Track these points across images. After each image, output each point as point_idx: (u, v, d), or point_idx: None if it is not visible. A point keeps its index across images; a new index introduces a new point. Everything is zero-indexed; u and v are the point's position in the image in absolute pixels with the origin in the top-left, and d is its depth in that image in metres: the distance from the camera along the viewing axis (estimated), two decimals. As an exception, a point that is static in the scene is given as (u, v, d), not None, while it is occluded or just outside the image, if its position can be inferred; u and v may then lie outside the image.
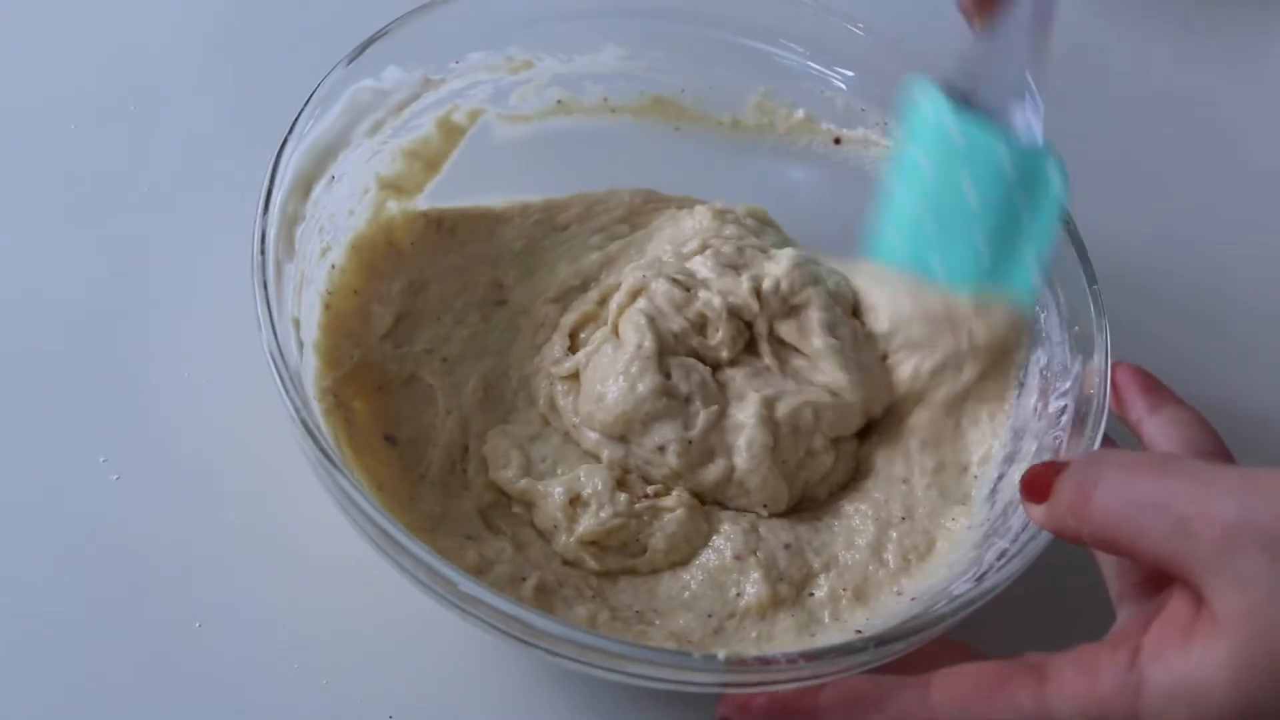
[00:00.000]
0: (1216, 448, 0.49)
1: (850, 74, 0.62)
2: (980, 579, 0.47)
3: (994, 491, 0.53)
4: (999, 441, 0.55)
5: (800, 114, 0.63)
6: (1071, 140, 0.54)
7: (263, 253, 0.48)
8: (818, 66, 0.62)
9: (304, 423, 0.44)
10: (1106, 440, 0.51)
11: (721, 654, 0.42)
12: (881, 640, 0.44)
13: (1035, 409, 0.54)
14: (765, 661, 0.42)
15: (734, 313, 0.56)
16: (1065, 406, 0.52)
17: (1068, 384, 0.52)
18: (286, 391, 0.45)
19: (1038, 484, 0.43)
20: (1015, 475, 0.51)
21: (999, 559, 0.47)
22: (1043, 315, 0.55)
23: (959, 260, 0.55)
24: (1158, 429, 0.51)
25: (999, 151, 0.53)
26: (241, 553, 0.53)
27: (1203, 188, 0.75)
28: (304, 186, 0.52)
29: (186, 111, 0.67)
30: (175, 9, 0.71)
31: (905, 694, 0.43)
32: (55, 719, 0.49)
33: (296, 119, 0.51)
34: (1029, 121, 0.53)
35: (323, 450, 0.44)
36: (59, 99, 0.66)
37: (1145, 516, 0.40)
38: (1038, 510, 0.43)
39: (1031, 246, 0.54)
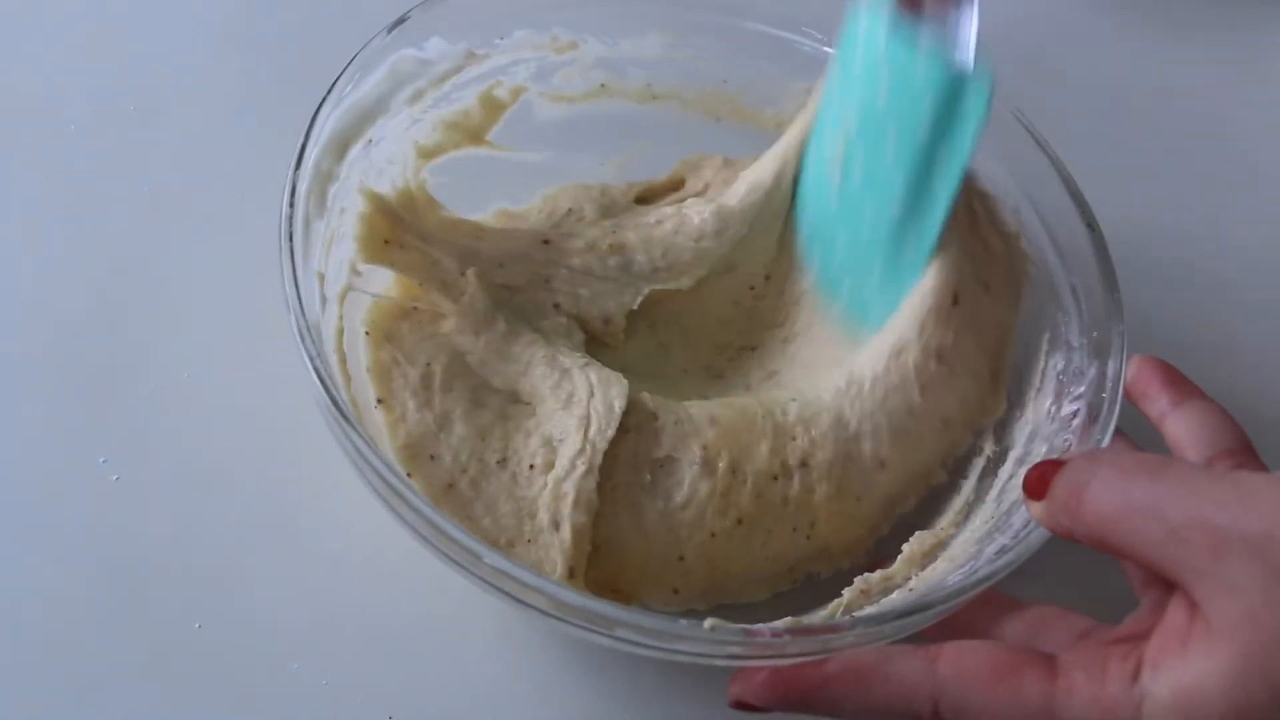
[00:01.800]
0: (1241, 444, 0.49)
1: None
2: (974, 572, 0.47)
3: (1002, 491, 0.53)
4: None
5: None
6: (1076, 141, 0.54)
7: (291, 205, 0.48)
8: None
9: (316, 371, 0.45)
10: (1120, 435, 0.50)
11: (707, 623, 0.43)
12: (868, 621, 0.44)
13: (1049, 412, 0.54)
14: (750, 633, 0.43)
15: None
16: (1078, 410, 0.52)
17: (1082, 388, 0.52)
18: (301, 339, 0.45)
19: (1038, 481, 0.43)
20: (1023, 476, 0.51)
21: (996, 554, 0.47)
22: (1064, 321, 0.55)
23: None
24: (1180, 424, 0.50)
25: (922, 93, 0.51)
26: (241, 553, 0.54)
27: (1207, 185, 0.75)
28: (340, 146, 0.53)
29: (187, 112, 0.67)
30: (176, 9, 0.72)
31: (911, 662, 0.43)
32: (55, 719, 0.49)
33: (335, 81, 0.52)
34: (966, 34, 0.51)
35: (334, 401, 0.45)
36: (59, 99, 0.66)
37: (1138, 521, 0.40)
38: (1036, 507, 0.44)
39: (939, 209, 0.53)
